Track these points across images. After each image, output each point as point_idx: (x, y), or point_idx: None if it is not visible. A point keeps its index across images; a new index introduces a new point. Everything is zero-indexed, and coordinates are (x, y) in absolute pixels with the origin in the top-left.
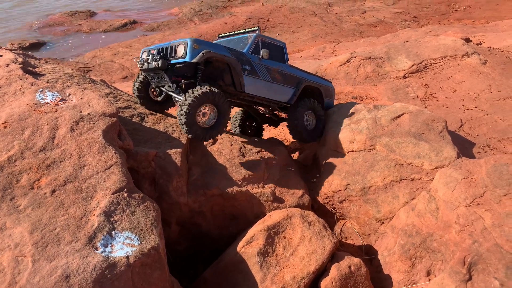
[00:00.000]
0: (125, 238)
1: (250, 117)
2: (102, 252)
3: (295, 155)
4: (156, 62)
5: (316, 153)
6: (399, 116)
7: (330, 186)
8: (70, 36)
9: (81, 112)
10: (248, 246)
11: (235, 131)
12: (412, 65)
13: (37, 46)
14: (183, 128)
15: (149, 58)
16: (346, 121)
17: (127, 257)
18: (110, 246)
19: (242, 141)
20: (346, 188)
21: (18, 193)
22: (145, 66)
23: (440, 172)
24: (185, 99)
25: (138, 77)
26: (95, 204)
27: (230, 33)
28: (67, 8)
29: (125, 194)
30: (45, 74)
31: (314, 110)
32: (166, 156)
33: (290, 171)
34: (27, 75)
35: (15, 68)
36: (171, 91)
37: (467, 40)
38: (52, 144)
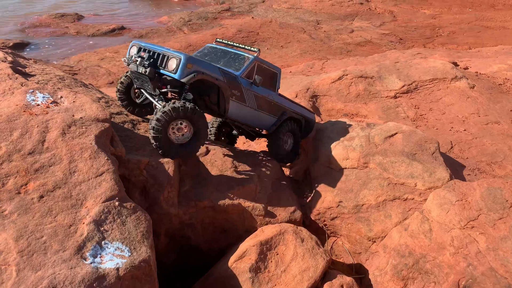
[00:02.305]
0: (115, 249)
1: (227, 125)
2: (91, 263)
3: (286, 170)
4: (144, 69)
5: (308, 169)
6: (392, 135)
7: (322, 202)
8: (56, 38)
9: (73, 115)
10: (240, 261)
11: (209, 137)
12: (403, 86)
13: (21, 46)
14: (152, 141)
15: (137, 60)
16: (339, 138)
17: (117, 269)
18: (100, 257)
19: (235, 153)
20: (338, 205)
21: (4, 197)
22: (131, 67)
23: (433, 193)
24: (158, 111)
25: (121, 78)
26: (85, 212)
27: (229, 42)
28: (56, 10)
29: (117, 203)
30: (35, 75)
31: (293, 133)
32: (159, 165)
33: (282, 186)
34: (16, 74)
35: (5, 67)
36: (152, 97)
37: (455, 64)
38: (41, 147)
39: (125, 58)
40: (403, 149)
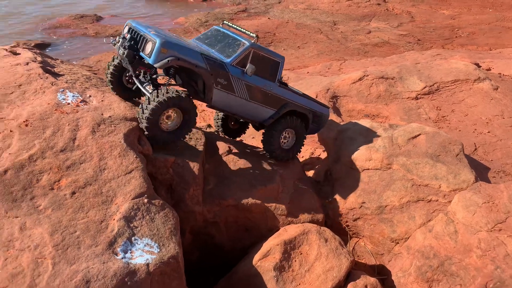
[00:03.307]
0: (145, 245)
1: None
2: (122, 258)
3: (306, 170)
4: (122, 50)
5: (329, 169)
6: (415, 137)
7: (345, 203)
8: (75, 38)
9: (102, 114)
10: (264, 260)
11: (217, 129)
12: (424, 87)
13: (42, 46)
14: (143, 126)
15: (119, 41)
16: (361, 139)
17: (147, 264)
18: (130, 252)
19: (257, 152)
20: (361, 206)
21: (38, 193)
22: (116, 47)
23: (459, 195)
24: (152, 99)
25: (113, 60)
26: (115, 209)
27: (234, 26)
28: (75, 11)
29: (145, 200)
30: (63, 75)
31: (295, 129)
32: (184, 164)
33: (303, 186)
34: (47, 74)
35: (35, 67)
36: (139, 83)
37: (477, 66)
38: (73, 145)
39: (113, 39)
40: (426, 151)
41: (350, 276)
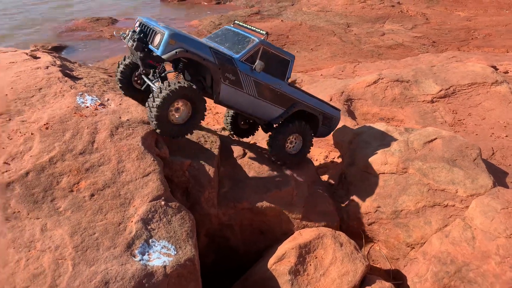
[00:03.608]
0: (162, 247)
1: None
2: (140, 260)
3: (320, 173)
4: (132, 42)
5: (343, 173)
6: (431, 141)
7: (360, 207)
8: (91, 41)
9: (120, 117)
10: (279, 263)
11: (227, 126)
12: (440, 90)
13: (58, 49)
14: (152, 121)
15: (129, 34)
16: (377, 142)
17: (164, 266)
18: (147, 255)
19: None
20: (376, 211)
21: (58, 195)
22: (126, 41)
23: (476, 201)
24: (160, 91)
25: (124, 59)
26: (133, 211)
27: (245, 25)
28: (91, 15)
29: (162, 203)
30: (82, 78)
31: (303, 134)
32: (200, 167)
33: (318, 189)
34: (66, 78)
35: (55, 70)
36: (148, 79)
37: (495, 68)
38: (91, 148)
39: (123, 32)
40: (443, 155)
41: (365, 280)
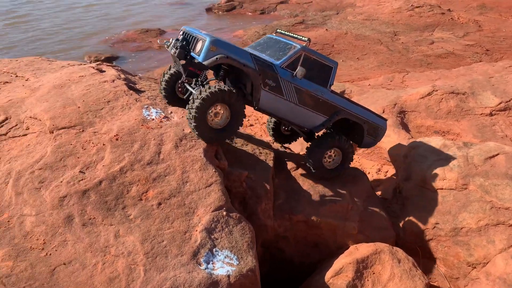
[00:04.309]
0: (225, 257)
1: None
2: (205, 269)
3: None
4: (174, 49)
5: (398, 187)
6: (493, 156)
7: (416, 223)
8: (141, 52)
9: (183, 130)
10: (337, 278)
11: (269, 132)
12: (500, 103)
13: (110, 60)
14: (191, 124)
15: (172, 42)
16: (433, 157)
17: (228, 276)
18: (212, 263)
19: None
20: (434, 227)
21: (129, 203)
22: (169, 49)
23: None
24: (200, 93)
25: (169, 69)
26: (197, 220)
27: (287, 33)
28: (140, 26)
29: (224, 213)
30: (144, 91)
31: (342, 149)
32: (257, 178)
33: (373, 204)
34: (131, 91)
35: (120, 84)
36: (190, 87)
37: None
38: (158, 158)
39: (166, 40)
40: (506, 172)
41: None
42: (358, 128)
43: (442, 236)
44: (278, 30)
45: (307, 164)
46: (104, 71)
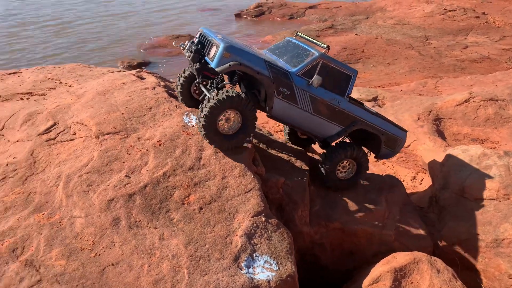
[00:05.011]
0: (265, 262)
1: None
2: (246, 273)
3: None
4: (189, 53)
5: (434, 196)
6: None
7: (455, 233)
8: (172, 58)
9: None
10: (374, 286)
11: (285, 136)
12: None
13: (142, 65)
14: (201, 131)
15: (188, 45)
16: (472, 166)
17: (268, 281)
18: (252, 268)
19: None
20: (474, 238)
21: (172, 207)
22: (184, 52)
23: None
24: (208, 101)
25: (184, 71)
26: (237, 225)
27: (307, 37)
28: (172, 32)
29: (263, 219)
30: None
31: (357, 160)
32: (294, 185)
33: (409, 212)
34: (171, 98)
35: (161, 91)
36: (205, 89)
37: None
38: (199, 164)
39: (182, 43)
40: None
41: None
42: (375, 139)
43: (482, 247)
44: (298, 33)
45: (320, 169)
46: (144, 78)
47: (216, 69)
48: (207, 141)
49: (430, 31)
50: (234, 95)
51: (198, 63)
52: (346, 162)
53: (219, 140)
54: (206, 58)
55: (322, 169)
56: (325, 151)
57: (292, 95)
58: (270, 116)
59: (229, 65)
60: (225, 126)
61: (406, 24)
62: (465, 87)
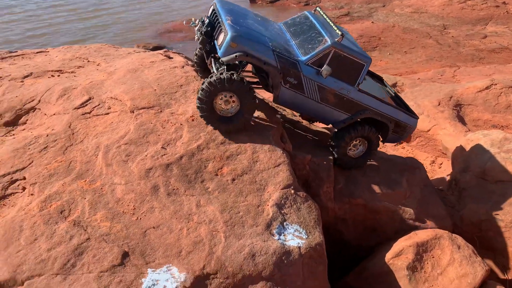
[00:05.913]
0: (295, 230)
1: None
2: (278, 239)
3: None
4: (198, 35)
5: (454, 178)
6: None
7: (475, 214)
8: (187, 42)
9: None
10: (397, 259)
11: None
12: None
13: (158, 49)
14: (198, 108)
15: (199, 24)
16: (494, 150)
17: (299, 247)
18: (283, 235)
19: (382, 157)
20: (493, 218)
21: (206, 177)
22: (195, 30)
23: None
24: (202, 83)
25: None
26: (268, 196)
27: (325, 16)
28: (188, 16)
29: (292, 191)
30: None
31: (367, 138)
32: (319, 162)
33: (429, 193)
34: (199, 76)
35: (190, 70)
36: (215, 63)
37: None
38: (230, 139)
39: (193, 21)
40: None
41: (484, 286)
42: (383, 125)
43: (502, 227)
44: (317, 9)
45: (331, 148)
46: (172, 58)
47: (222, 59)
48: (202, 117)
49: (448, 20)
50: (225, 77)
51: (208, 45)
52: (357, 141)
53: (216, 121)
54: (215, 42)
55: (334, 148)
56: (336, 130)
57: (300, 85)
58: (276, 102)
59: (235, 56)
60: (223, 108)
61: (424, 13)
62: (484, 77)
